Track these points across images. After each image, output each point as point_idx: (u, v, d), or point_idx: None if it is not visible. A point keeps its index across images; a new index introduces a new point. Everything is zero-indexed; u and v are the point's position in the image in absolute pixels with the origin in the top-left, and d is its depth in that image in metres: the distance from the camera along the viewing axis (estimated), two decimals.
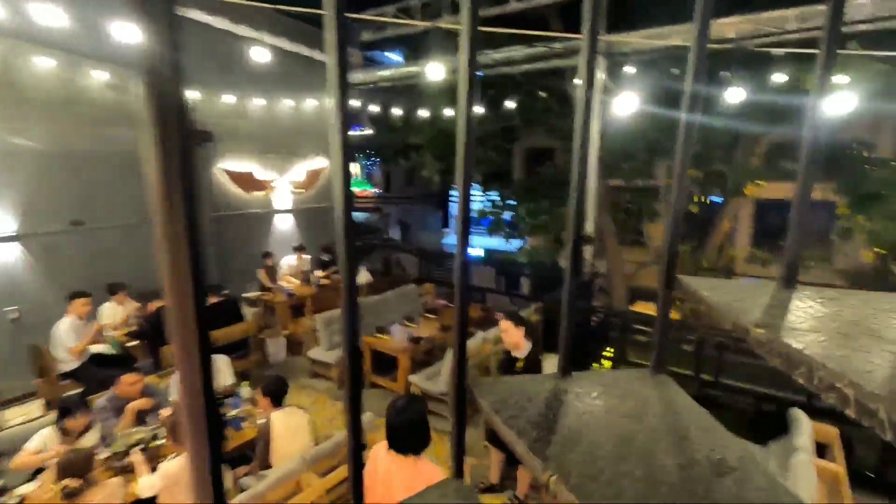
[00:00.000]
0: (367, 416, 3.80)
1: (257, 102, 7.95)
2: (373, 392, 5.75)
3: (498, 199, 11.13)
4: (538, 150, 15.72)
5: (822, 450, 3.76)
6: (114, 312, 5.71)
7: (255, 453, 3.45)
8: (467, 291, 0.73)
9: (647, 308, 11.76)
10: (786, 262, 0.85)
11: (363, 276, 8.00)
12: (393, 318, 6.66)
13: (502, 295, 8.45)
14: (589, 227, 6.80)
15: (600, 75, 6.37)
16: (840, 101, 4.08)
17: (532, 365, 3.35)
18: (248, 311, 7.06)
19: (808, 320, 0.68)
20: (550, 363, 4.64)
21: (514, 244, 11.94)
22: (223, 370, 4.57)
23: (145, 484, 2.92)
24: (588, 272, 6.75)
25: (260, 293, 7.44)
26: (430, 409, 2.87)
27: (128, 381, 3.71)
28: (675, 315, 9.89)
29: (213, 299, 5.83)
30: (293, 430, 3.47)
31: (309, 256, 8.49)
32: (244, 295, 7.52)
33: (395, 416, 2.39)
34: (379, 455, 2.52)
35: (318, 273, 8.04)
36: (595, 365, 6.12)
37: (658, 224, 9.69)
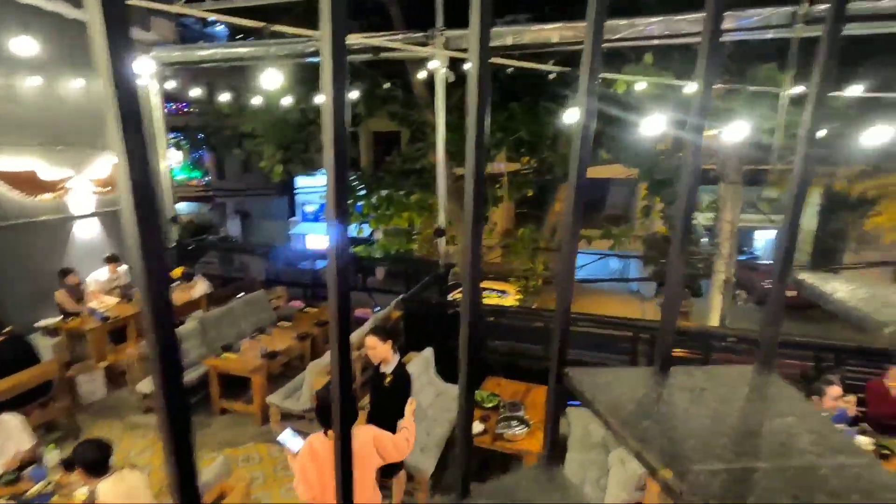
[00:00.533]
0: (218, 461, 3.37)
1: (33, 82, 6.33)
2: (224, 419, 5.17)
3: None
4: (384, 134, 15.61)
5: None
6: None
7: None
8: (346, 298, 0.59)
9: (494, 284, 12.75)
10: (658, 351, 0.88)
11: (200, 286, 7.06)
12: (240, 331, 6.04)
13: (360, 291, 8.24)
14: (441, 220, 6.96)
15: (442, 69, 6.45)
16: (654, 122, 4.84)
17: (400, 378, 3.29)
18: (46, 345, 5.74)
19: (701, 437, 0.69)
20: (414, 364, 4.66)
21: (366, 232, 11.75)
22: (16, 433, 3.62)
23: None
24: (444, 263, 6.93)
25: (61, 320, 6.08)
26: (296, 429, 2.77)
27: None
28: (516, 297, 10.84)
29: None
30: (127, 499, 2.90)
31: (126, 267, 7.18)
32: (38, 324, 6.08)
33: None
34: (316, 445, 2.55)
35: None
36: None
37: (500, 208, 10.38)
